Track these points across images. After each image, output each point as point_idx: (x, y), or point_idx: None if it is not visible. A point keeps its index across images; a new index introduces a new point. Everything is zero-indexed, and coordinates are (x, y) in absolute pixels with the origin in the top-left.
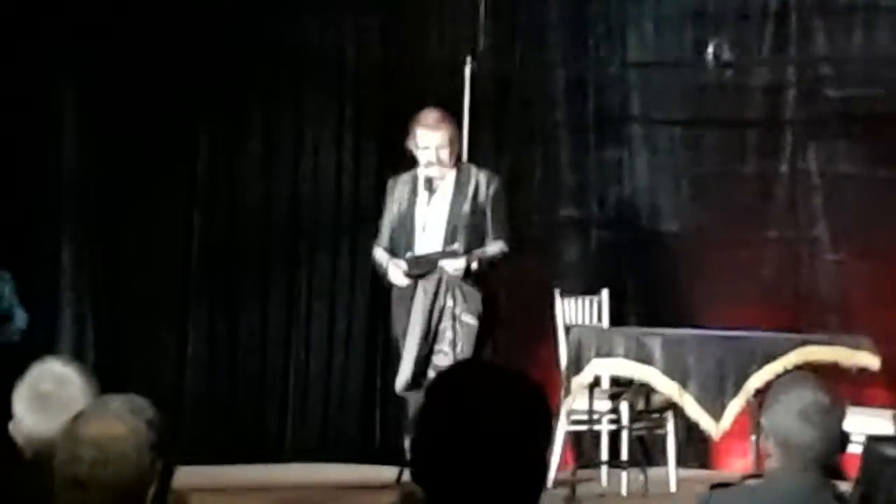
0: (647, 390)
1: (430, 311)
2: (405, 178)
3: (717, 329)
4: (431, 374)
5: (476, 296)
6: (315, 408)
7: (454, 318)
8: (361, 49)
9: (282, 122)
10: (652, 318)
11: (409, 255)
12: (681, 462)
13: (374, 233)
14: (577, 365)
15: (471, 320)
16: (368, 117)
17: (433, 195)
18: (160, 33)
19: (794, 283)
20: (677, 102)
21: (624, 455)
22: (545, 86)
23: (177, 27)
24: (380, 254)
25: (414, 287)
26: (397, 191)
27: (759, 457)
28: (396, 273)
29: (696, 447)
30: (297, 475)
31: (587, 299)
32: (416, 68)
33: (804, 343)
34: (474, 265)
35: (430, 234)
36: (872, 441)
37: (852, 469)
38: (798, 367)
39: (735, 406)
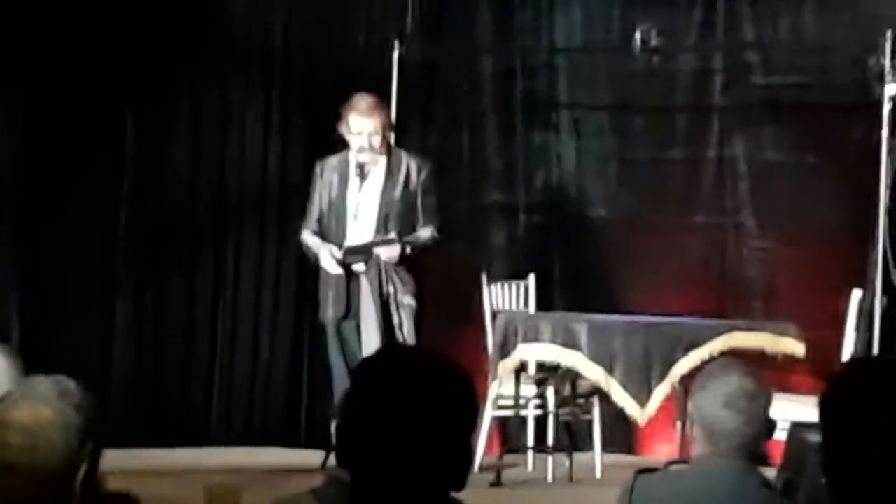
0: (573, 376)
1: (381, 300)
2: (333, 162)
3: (644, 315)
4: None
5: (410, 278)
6: (242, 391)
7: (397, 303)
8: (290, 30)
9: (209, 103)
10: (579, 304)
11: (346, 245)
12: (606, 447)
13: (301, 215)
14: (503, 350)
15: (412, 302)
16: (296, 99)
17: (364, 181)
18: (85, 13)
19: (721, 270)
20: (605, 88)
21: (550, 440)
22: (473, 71)
23: (102, 6)
24: (309, 237)
25: (348, 276)
26: (326, 175)
27: (685, 442)
28: (329, 260)
29: (621, 432)
30: (224, 459)
31: (514, 284)
32: (345, 51)
33: (730, 329)
34: (408, 251)
35: (361, 221)
36: (797, 427)
37: (777, 455)
38: (724, 354)
39: (661, 392)
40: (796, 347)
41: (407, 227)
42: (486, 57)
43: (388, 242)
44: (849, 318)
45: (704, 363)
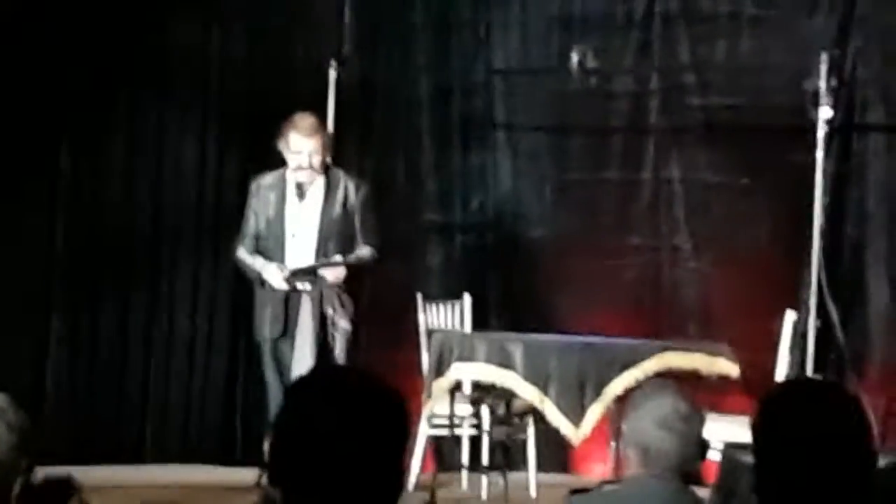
0: (508, 395)
1: (319, 321)
2: (270, 180)
3: (579, 335)
4: None
5: (349, 301)
6: (176, 409)
7: (334, 325)
8: (226, 50)
9: (145, 123)
10: (514, 324)
11: (290, 268)
12: (541, 467)
13: (236, 233)
14: (438, 369)
15: (347, 326)
16: (233, 119)
17: (303, 200)
18: (20, 32)
19: (656, 291)
20: (542, 109)
21: (485, 460)
22: (410, 90)
23: (39, 27)
24: (247, 255)
25: (287, 294)
26: (262, 193)
27: (619, 463)
28: (276, 275)
29: (556, 452)
30: (159, 476)
31: (450, 304)
32: (282, 70)
33: (664, 350)
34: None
35: (300, 241)
36: (730, 448)
37: (711, 476)
38: (658, 374)
39: (595, 412)
40: (730, 368)
41: (346, 247)
42: (424, 76)
43: (334, 265)
44: (782, 339)
45: (639, 383)
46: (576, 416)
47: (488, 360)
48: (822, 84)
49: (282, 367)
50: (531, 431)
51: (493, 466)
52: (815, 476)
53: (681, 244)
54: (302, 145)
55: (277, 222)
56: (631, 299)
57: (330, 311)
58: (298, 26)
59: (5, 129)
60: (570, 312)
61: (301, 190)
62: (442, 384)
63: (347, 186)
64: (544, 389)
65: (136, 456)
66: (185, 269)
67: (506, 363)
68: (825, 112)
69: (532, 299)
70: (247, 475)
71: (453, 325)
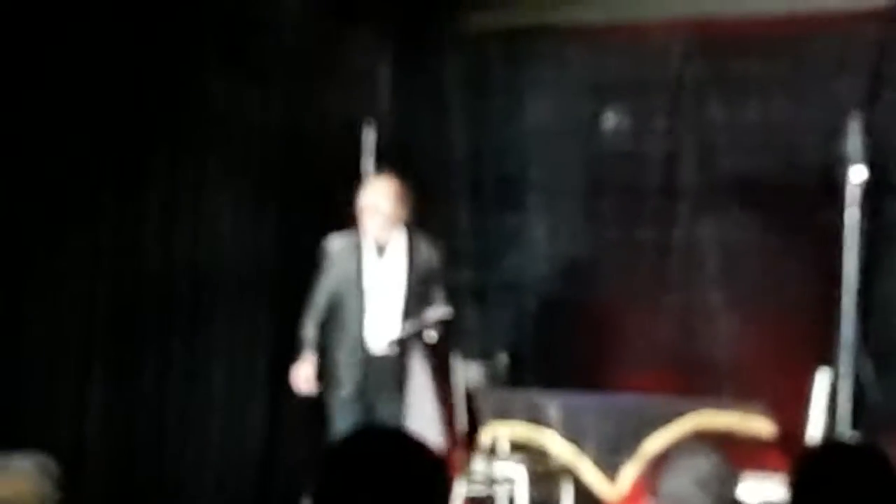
0: (544, 453)
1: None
2: (339, 245)
3: (614, 393)
4: None
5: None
6: (214, 471)
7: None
8: (263, 109)
9: (184, 181)
10: (550, 382)
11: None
12: None
13: (272, 296)
14: (475, 427)
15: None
16: (270, 178)
17: (382, 258)
18: (62, 86)
19: (690, 349)
20: (575, 170)
21: None
22: (445, 152)
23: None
24: (307, 332)
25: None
26: (337, 258)
27: None
28: (299, 374)
29: None
30: None
31: (486, 363)
32: (318, 130)
33: (698, 408)
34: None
35: (383, 301)
36: None
37: None
38: (693, 433)
39: (630, 470)
40: (765, 427)
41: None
42: (458, 138)
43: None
44: (815, 397)
45: (674, 442)
46: (611, 474)
47: (524, 418)
48: (853, 144)
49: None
50: (567, 490)
51: None
52: None
53: (714, 303)
54: (367, 202)
55: (357, 282)
56: (665, 358)
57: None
58: (335, 86)
59: (47, 186)
60: (605, 371)
61: (380, 249)
62: (479, 442)
63: (429, 248)
64: (580, 447)
65: None
66: (223, 330)
67: (542, 421)
68: (857, 171)
69: (567, 358)
70: None
71: (490, 384)
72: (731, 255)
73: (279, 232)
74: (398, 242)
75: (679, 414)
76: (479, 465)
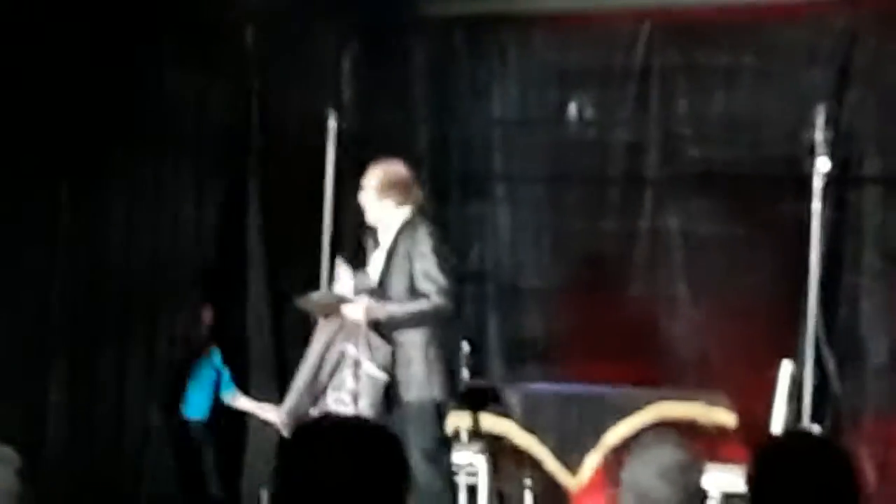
0: (506, 443)
1: (326, 350)
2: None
3: (577, 384)
4: (314, 412)
5: (383, 349)
6: (171, 459)
7: (356, 365)
8: (226, 101)
9: (143, 171)
10: (512, 373)
11: (310, 297)
12: None
13: (242, 281)
14: None
15: (376, 373)
16: (233, 173)
17: (377, 249)
18: (23, 81)
19: (653, 340)
20: (540, 160)
21: None
22: (409, 142)
23: (37, 75)
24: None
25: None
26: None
27: None
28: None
29: (553, 501)
30: None
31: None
32: (281, 121)
33: (661, 399)
34: (382, 317)
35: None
36: (729, 499)
37: None
38: (655, 423)
39: (592, 460)
40: (727, 418)
41: (407, 297)
42: (423, 127)
43: (355, 301)
44: (779, 389)
45: (636, 432)
46: (573, 464)
47: (486, 408)
48: (819, 135)
49: None
50: (529, 480)
51: None
52: None
53: (678, 294)
54: (365, 181)
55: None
56: (628, 348)
57: (351, 350)
58: (298, 78)
59: (7, 173)
60: (568, 361)
61: (376, 238)
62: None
63: (416, 234)
64: (542, 438)
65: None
66: (182, 320)
67: (504, 412)
68: (822, 163)
69: (530, 348)
70: None
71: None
72: (695, 245)
73: (240, 222)
74: (390, 233)
75: (642, 404)
76: None
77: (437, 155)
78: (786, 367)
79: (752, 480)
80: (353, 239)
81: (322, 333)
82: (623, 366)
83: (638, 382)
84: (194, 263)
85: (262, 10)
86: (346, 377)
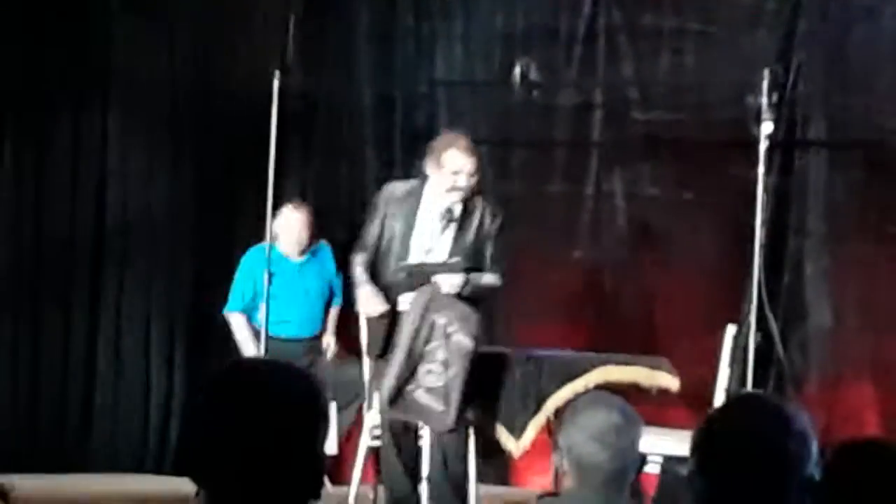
0: None
1: (419, 329)
2: (399, 193)
3: (520, 347)
4: (419, 393)
5: (473, 317)
6: (116, 418)
7: (446, 336)
8: (171, 58)
9: (90, 128)
10: None
11: (403, 264)
12: (482, 479)
13: (191, 246)
14: (380, 382)
15: (465, 341)
16: (179, 127)
17: (441, 222)
18: None
19: (598, 304)
20: (485, 122)
21: (425, 470)
22: (353, 101)
23: None
24: (358, 271)
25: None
26: (391, 207)
27: (559, 475)
28: (370, 303)
29: (497, 464)
30: (98, 485)
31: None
32: (226, 80)
33: (604, 363)
34: (467, 289)
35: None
36: (671, 462)
37: (651, 489)
38: (598, 387)
39: (535, 424)
40: (671, 382)
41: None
42: (366, 88)
43: (450, 269)
44: (723, 353)
45: (578, 396)
46: (517, 428)
47: None
48: (764, 99)
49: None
50: (472, 443)
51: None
52: (752, 491)
53: (623, 258)
54: (462, 164)
55: (403, 242)
56: (573, 312)
57: (441, 321)
58: (243, 37)
59: None
60: (511, 325)
61: (451, 214)
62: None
63: (484, 213)
64: (486, 401)
65: (77, 465)
66: (129, 275)
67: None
68: (767, 127)
69: None
70: (186, 485)
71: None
72: (641, 209)
73: (185, 180)
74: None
75: (585, 369)
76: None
77: (381, 115)
78: (730, 332)
79: (697, 445)
80: (297, 197)
81: (415, 306)
82: (567, 330)
83: (582, 347)
84: (144, 223)
85: None
86: (437, 348)
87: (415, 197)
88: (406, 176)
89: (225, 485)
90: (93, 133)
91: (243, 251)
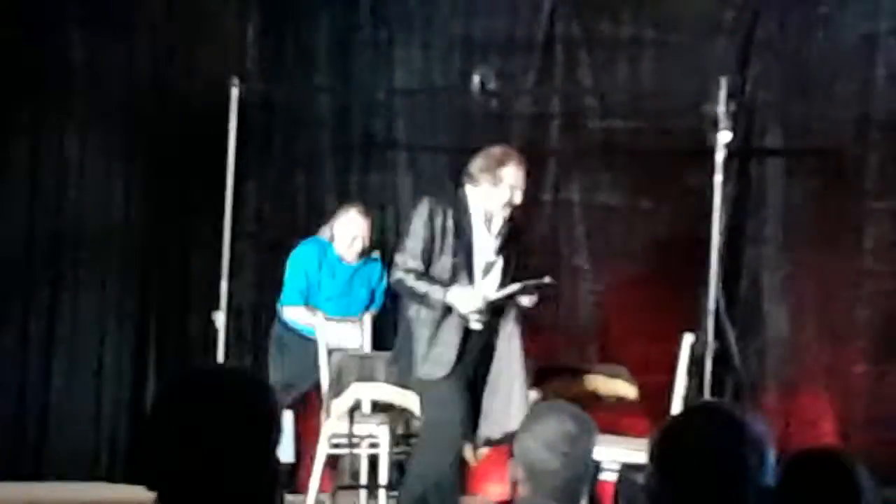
0: (407, 415)
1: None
2: (445, 207)
3: None
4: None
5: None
6: (76, 426)
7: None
8: (130, 65)
9: (49, 132)
10: None
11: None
12: None
13: (147, 253)
14: (337, 388)
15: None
16: (137, 134)
17: (490, 233)
18: None
19: (555, 313)
20: (442, 129)
21: (383, 479)
22: (311, 109)
23: None
24: (413, 278)
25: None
26: (439, 221)
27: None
28: (471, 300)
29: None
30: (56, 494)
31: (349, 324)
32: (185, 87)
33: (562, 372)
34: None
35: (491, 278)
36: (628, 470)
37: (608, 497)
38: (556, 395)
39: None
40: (628, 390)
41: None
42: (325, 95)
43: (540, 288)
44: (680, 362)
45: (536, 404)
46: (473, 436)
47: (387, 380)
48: (722, 108)
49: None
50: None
51: (391, 485)
52: (709, 499)
53: (580, 266)
54: (521, 179)
55: (463, 257)
56: (529, 321)
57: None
58: (202, 43)
59: None
60: None
61: (499, 228)
62: (341, 404)
63: (516, 221)
64: None
65: (36, 474)
66: (88, 279)
67: (405, 383)
68: (724, 136)
69: None
70: (142, 493)
71: (352, 345)
72: (598, 217)
73: (143, 186)
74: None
75: (542, 377)
76: (341, 426)
77: (340, 122)
78: (687, 340)
79: (654, 454)
80: (255, 204)
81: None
82: (524, 338)
83: (538, 355)
84: (102, 229)
85: None
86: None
87: (462, 210)
88: (364, 183)
89: (179, 491)
90: (50, 139)
91: (200, 258)
